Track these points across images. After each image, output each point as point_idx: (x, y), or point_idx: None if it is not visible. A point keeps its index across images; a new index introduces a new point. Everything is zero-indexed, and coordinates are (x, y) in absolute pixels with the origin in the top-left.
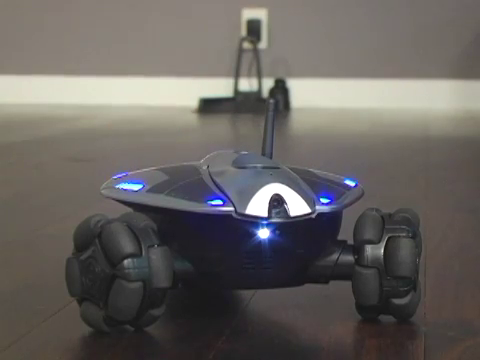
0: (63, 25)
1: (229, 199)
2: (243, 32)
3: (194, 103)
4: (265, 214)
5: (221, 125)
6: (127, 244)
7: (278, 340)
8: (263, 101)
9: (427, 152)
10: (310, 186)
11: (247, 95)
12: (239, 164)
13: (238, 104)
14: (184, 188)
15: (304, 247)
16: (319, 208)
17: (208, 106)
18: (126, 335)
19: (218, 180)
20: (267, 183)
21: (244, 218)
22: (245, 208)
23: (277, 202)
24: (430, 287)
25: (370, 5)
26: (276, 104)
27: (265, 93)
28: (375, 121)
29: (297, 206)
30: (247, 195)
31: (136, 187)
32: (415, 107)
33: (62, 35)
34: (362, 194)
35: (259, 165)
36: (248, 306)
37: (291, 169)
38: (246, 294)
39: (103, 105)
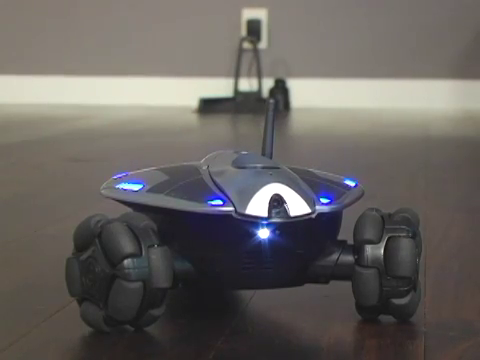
0: (63, 25)
1: (229, 199)
2: (243, 32)
3: (194, 103)
4: (265, 214)
5: (221, 125)
6: (127, 244)
7: (278, 340)
8: (263, 101)
9: (427, 152)
10: (310, 186)
11: (247, 95)
12: (239, 164)
13: (238, 104)
14: (184, 188)
15: (304, 247)
16: (319, 208)
17: (208, 106)
18: (126, 335)
19: (218, 180)
20: (267, 183)
21: (244, 218)
22: (245, 208)
23: (277, 202)
24: (430, 287)
25: (370, 5)
26: (276, 104)
27: (265, 93)
28: (375, 121)
29: (297, 206)
30: (247, 195)
31: (136, 187)
32: (414, 107)
33: (62, 35)
34: (362, 194)
35: (259, 165)
36: (248, 306)
37: (291, 169)
38: (246, 294)
39: (103, 105)
